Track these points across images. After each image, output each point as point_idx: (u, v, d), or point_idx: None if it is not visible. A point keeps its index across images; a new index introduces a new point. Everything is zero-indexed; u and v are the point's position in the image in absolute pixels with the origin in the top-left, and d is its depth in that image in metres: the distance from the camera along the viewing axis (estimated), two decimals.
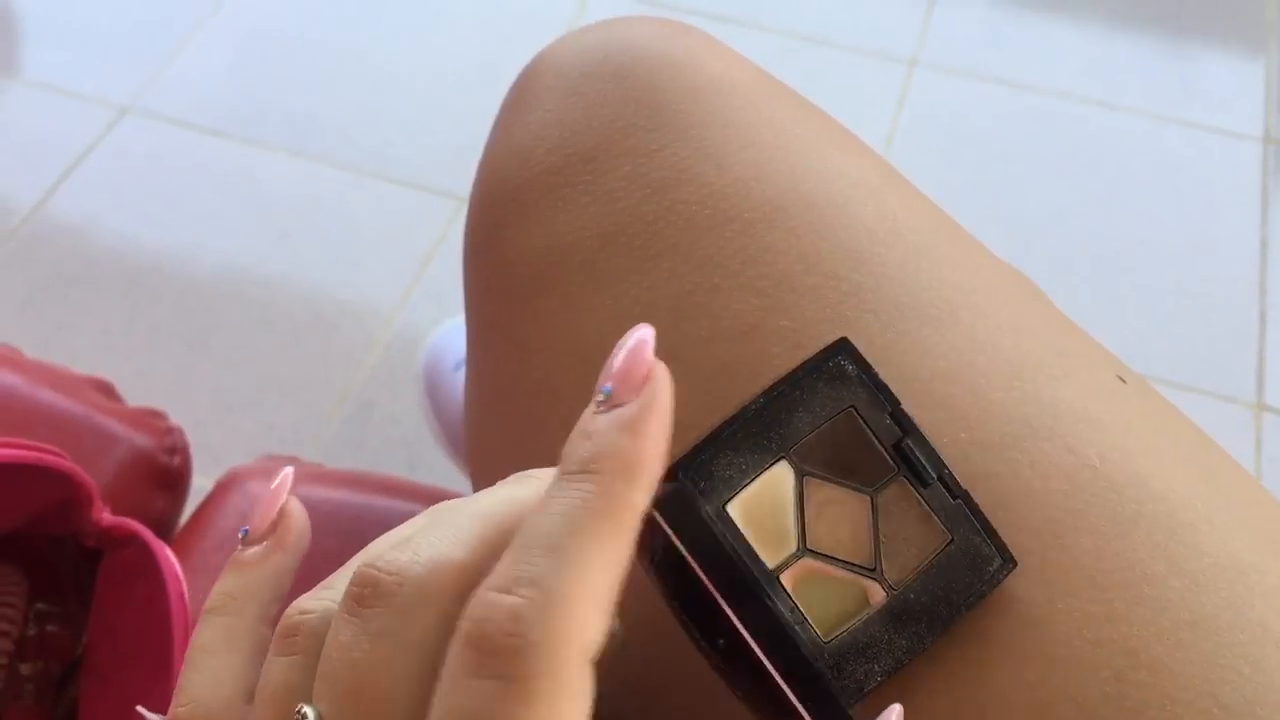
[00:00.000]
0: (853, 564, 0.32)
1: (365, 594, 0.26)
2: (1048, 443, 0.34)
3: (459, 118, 1.47)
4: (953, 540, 0.32)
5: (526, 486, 0.30)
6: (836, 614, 0.31)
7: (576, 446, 0.26)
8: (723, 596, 0.27)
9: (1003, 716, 0.31)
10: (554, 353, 0.41)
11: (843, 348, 0.34)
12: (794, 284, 0.38)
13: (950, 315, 0.37)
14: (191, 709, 0.29)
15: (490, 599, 0.24)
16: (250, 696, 0.29)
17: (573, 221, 0.43)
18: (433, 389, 1.04)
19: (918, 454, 0.33)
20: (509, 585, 0.24)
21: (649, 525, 0.28)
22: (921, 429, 0.34)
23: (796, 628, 0.30)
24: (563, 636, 0.23)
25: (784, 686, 0.25)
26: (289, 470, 0.33)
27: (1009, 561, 0.32)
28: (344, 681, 0.26)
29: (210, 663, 0.29)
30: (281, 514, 0.32)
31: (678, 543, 0.27)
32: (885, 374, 0.35)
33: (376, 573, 0.26)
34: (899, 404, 0.33)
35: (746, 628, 0.25)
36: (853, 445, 0.33)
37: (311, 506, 0.61)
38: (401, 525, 0.30)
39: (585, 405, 0.40)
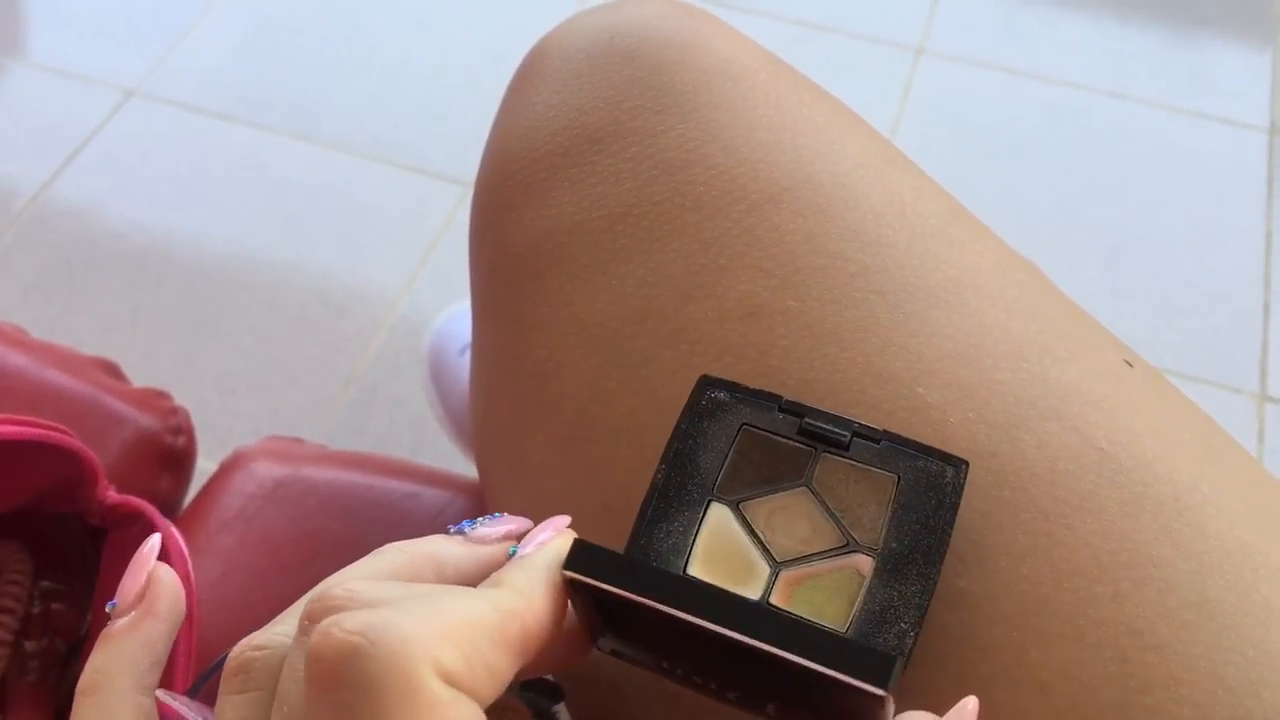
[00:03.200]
0: (827, 551, 0.32)
1: (317, 610, 0.26)
2: (1055, 423, 0.34)
3: (466, 104, 1.47)
4: (899, 477, 0.32)
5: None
6: (845, 603, 0.31)
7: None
8: (736, 630, 0.25)
9: (1006, 692, 0.31)
10: (559, 333, 0.41)
11: (706, 384, 0.35)
12: (800, 264, 0.38)
13: (957, 297, 0.37)
14: None
15: (337, 615, 0.24)
16: None
17: (579, 202, 0.43)
18: (437, 373, 1.04)
19: (823, 426, 0.33)
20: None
21: (620, 612, 0.27)
22: (816, 405, 0.34)
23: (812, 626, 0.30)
24: (408, 642, 0.23)
25: (832, 673, 0.24)
26: (155, 537, 0.32)
27: (960, 464, 0.32)
28: (299, 705, 0.25)
29: None
30: (150, 581, 0.30)
31: (670, 610, 0.26)
32: (887, 354, 0.35)
33: (331, 593, 0.26)
34: (782, 397, 0.34)
35: (776, 644, 0.25)
36: (766, 454, 0.34)
37: (315, 488, 0.61)
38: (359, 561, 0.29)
39: (590, 386, 0.40)
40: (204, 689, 0.43)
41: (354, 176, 1.40)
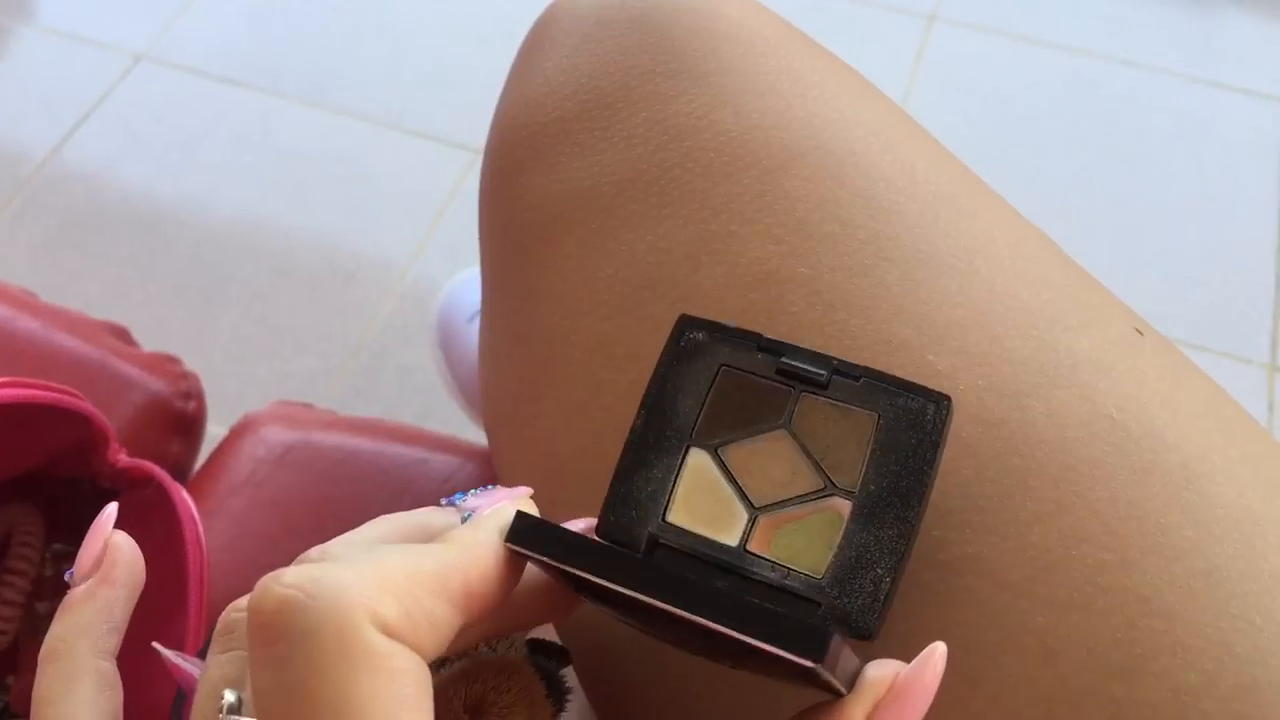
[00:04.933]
0: (806, 495, 0.31)
1: None
2: (1065, 391, 0.34)
3: (475, 70, 1.46)
4: (880, 416, 0.31)
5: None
6: (824, 547, 0.31)
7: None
8: (664, 600, 0.25)
9: (1013, 658, 0.31)
10: (569, 298, 0.41)
11: (685, 324, 0.33)
12: (811, 231, 0.38)
13: (968, 265, 0.37)
14: None
15: (278, 571, 0.24)
16: None
17: (589, 168, 0.42)
18: (446, 340, 1.04)
19: (801, 364, 0.32)
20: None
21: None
22: (798, 343, 0.33)
23: (786, 581, 0.30)
24: (344, 593, 0.23)
25: (766, 646, 0.24)
26: (112, 506, 0.32)
27: (942, 399, 0.31)
28: None
29: (53, 713, 0.28)
30: (106, 548, 0.31)
31: (604, 581, 0.26)
32: (898, 321, 0.35)
33: (307, 555, 0.27)
34: (762, 335, 0.33)
35: (705, 616, 0.25)
36: (745, 396, 0.33)
37: (324, 453, 0.61)
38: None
39: (600, 352, 0.40)
40: None
41: (363, 143, 1.39)
